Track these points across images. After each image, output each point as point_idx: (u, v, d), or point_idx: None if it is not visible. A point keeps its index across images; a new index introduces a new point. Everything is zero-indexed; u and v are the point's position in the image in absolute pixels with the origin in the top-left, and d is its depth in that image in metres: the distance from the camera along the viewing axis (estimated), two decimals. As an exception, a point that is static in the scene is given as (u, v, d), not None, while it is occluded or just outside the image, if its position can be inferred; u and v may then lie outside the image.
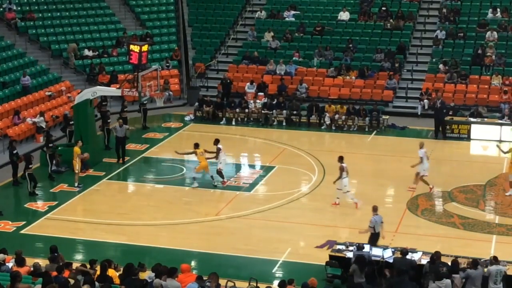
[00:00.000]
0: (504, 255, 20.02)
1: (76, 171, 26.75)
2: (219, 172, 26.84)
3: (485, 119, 33.45)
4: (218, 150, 26.74)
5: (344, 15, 41.72)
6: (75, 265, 18.04)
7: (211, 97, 37.10)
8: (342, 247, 20.19)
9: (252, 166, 29.93)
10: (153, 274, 16.94)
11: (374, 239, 20.35)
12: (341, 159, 24.76)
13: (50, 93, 35.41)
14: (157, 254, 21.41)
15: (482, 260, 19.09)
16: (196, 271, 18.90)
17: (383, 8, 41.70)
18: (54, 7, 42.12)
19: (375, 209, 20.74)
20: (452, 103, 34.56)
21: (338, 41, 40.50)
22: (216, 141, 27.04)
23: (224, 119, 35.39)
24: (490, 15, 40.51)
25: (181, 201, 25.86)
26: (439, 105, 32.95)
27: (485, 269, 17.90)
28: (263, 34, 41.46)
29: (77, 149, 26.99)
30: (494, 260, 17.96)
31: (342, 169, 24.50)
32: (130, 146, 31.33)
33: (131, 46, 29.72)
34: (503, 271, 17.83)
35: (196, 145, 26.77)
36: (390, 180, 25.97)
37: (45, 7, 41.92)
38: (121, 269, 17.38)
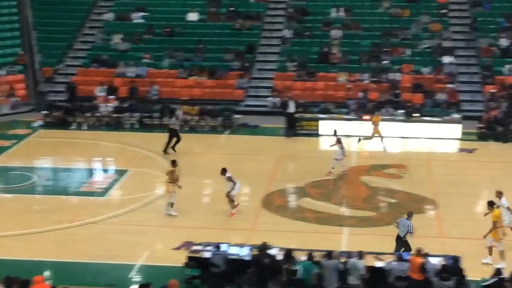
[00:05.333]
0: (356, 246, 20.71)
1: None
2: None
3: (333, 115, 34.53)
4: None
5: (193, 16, 41.80)
6: None
7: (60, 101, 36.19)
8: (200, 247, 20.23)
9: (105, 171, 29.44)
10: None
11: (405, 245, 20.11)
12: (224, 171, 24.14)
13: None
14: (10, 267, 20.55)
15: (335, 252, 19.73)
16: (51, 282, 18.36)
17: (231, 9, 42.13)
18: None
19: (409, 214, 20.34)
20: (302, 100, 35.39)
21: (188, 42, 40.55)
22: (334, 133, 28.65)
23: (75, 123, 34.59)
24: (334, 14, 41.81)
25: (33, 209, 25.04)
26: (291, 105, 33.57)
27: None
28: (111, 37, 40.87)
29: None
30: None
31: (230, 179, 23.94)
32: (-24, 156, 30.09)
33: (-28, 51, 28.58)
34: (357, 266, 18.40)
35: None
36: (245, 178, 26.20)
37: None
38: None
